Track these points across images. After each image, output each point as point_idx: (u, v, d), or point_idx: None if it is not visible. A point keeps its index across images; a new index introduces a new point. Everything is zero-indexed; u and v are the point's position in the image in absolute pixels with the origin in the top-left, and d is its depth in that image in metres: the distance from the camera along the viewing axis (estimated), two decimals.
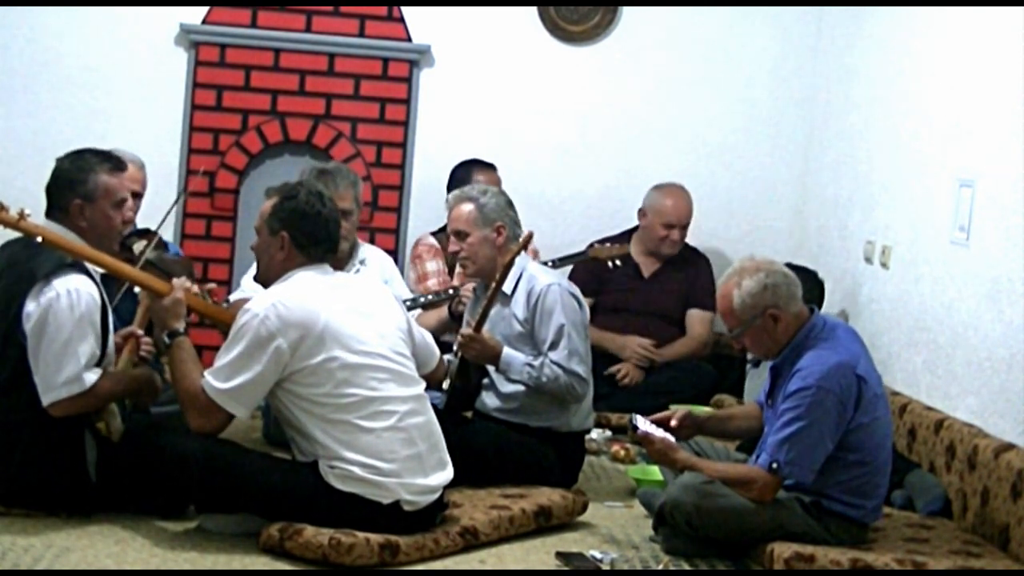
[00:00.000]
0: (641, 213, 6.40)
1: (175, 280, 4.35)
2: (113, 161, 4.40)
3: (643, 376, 6.17)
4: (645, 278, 6.40)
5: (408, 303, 5.44)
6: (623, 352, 6.18)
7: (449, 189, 6.24)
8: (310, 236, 4.26)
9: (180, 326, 4.26)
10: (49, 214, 4.33)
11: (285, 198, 4.31)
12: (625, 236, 6.43)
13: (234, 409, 4.13)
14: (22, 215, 4.18)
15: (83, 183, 4.31)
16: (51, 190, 4.34)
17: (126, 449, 4.27)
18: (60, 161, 4.39)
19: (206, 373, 4.15)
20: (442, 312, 5.52)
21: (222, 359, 4.13)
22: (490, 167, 6.31)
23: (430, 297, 5.61)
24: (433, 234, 6.31)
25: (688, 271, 6.44)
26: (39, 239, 4.17)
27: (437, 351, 4.61)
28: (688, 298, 6.41)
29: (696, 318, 6.41)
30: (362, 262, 5.46)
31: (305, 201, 4.28)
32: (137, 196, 5.32)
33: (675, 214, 6.33)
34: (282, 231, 4.26)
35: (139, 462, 4.24)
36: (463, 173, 6.23)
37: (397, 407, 4.17)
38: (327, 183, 5.14)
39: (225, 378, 4.10)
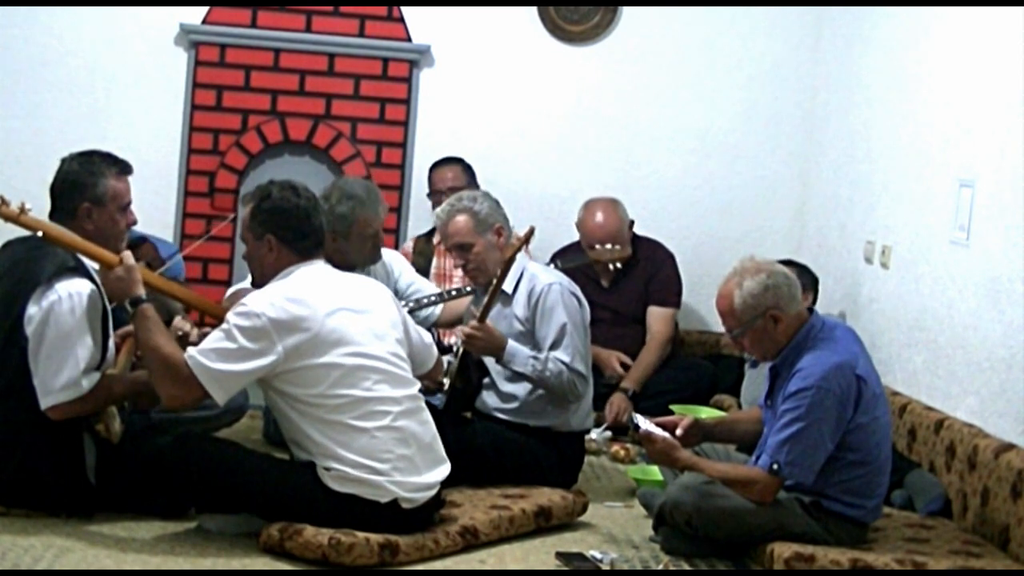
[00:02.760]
0: (576, 227, 6.28)
1: (123, 253, 4.28)
2: (120, 165, 4.39)
3: (631, 408, 5.80)
4: (605, 288, 6.29)
5: (411, 304, 5.44)
6: (605, 371, 6.00)
7: (430, 188, 6.37)
8: (294, 231, 4.24)
9: (141, 292, 4.19)
10: (53, 216, 4.33)
11: (261, 200, 4.29)
12: (578, 245, 6.29)
13: (214, 391, 4.07)
14: (23, 209, 4.17)
15: (93, 187, 4.30)
16: (57, 192, 4.33)
17: (126, 451, 4.27)
18: (67, 163, 4.37)
19: (192, 349, 4.10)
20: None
21: (214, 343, 4.08)
22: (453, 161, 6.37)
23: (433, 298, 5.61)
24: (420, 236, 6.36)
25: (648, 269, 6.33)
26: (40, 234, 4.18)
27: (435, 351, 4.59)
28: (647, 295, 6.29)
29: (655, 316, 6.26)
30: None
31: (280, 198, 4.26)
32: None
33: (600, 233, 6.11)
34: (266, 233, 4.25)
35: (139, 464, 4.24)
36: (429, 174, 6.40)
37: (390, 407, 4.16)
38: (373, 207, 5.13)
39: (213, 359, 4.05)
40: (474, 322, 4.78)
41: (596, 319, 5.93)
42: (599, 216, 6.17)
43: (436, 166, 6.42)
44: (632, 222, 6.30)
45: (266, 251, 4.26)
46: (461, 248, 4.92)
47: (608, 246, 6.05)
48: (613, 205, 6.22)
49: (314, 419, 4.12)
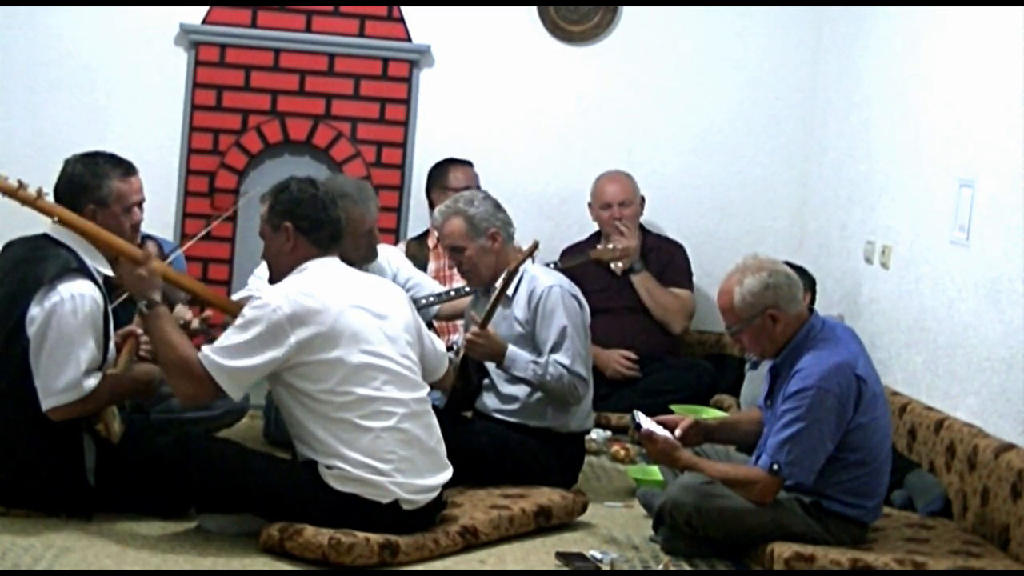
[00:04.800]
0: (589, 208, 6.43)
1: (147, 249, 4.31)
2: (125, 166, 4.41)
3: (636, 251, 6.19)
4: (617, 275, 6.33)
5: (433, 298, 5.47)
6: (606, 370, 6.05)
7: (428, 189, 6.38)
8: (312, 220, 4.26)
9: (157, 296, 4.21)
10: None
11: (278, 192, 4.33)
12: (591, 240, 6.40)
13: (228, 388, 4.09)
14: (40, 194, 4.19)
15: (97, 188, 4.31)
16: (62, 193, 4.33)
17: (126, 451, 4.27)
18: (72, 165, 4.37)
19: (207, 348, 4.12)
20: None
21: (229, 340, 4.11)
22: (466, 163, 6.40)
23: (432, 299, 5.61)
24: (412, 240, 6.37)
25: (660, 259, 6.41)
26: (55, 219, 4.19)
27: (447, 359, 4.60)
28: (662, 282, 6.36)
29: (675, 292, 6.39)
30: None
31: (298, 189, 4.30)
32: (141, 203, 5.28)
33: (610, 194, 6.33)
34: (284, 223, 4.27)
35: (138, 463, 4.24)
36: (439, 172, 6.39)
37: (396, 409, 4.16)
38: (365, 205, 5.14)
39: (226, 356, 4.07)
40: (475, 328, 4.78)
41: (605, 308, 5.99)
42: (612, 183, 6.37)
43: (450, 165, 6.38)
44: (643, 198, 6.40)
45: (283, 241, 4.28)
46: (454, 250, 4.94)
47: (610, 246, 6.09)
48: (626, 175, 6.41)
49: (320, 416, 4.12)
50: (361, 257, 5.19)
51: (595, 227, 6.47)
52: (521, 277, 4.90)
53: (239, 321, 4.13)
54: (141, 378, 4.36)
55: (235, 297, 5.20)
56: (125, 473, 4.27)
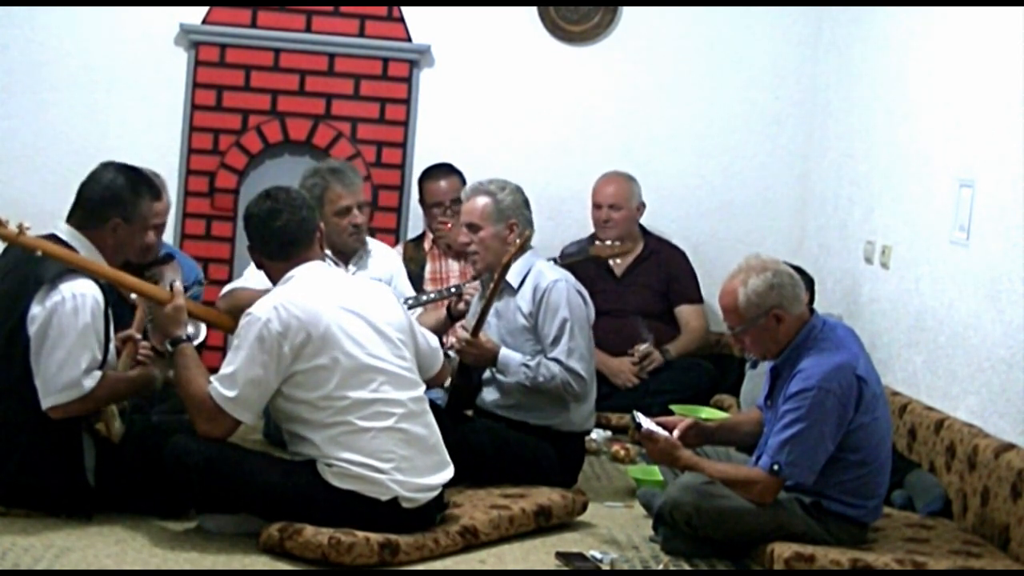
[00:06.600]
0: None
1: (175, 287, 4.35)
2: (156, 190, 4.56)
3: (658, 360, 6.14)
4: (618, 277, 6.36)
5: (410, 301, 5.46)
6: (616, 379, 6.07)
7: (426, 201, 6.34)
8: (257, 238, 4.32)
9: (183, 333, 4.27)
10: (75, 218, 4.34)
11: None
12: (591, 238, 6.40)
13: (240, 415, 4.14)
14: (21, 229, 4.18)
15: (132, 205, 4.36)
16: (96, 199, 4.33)
17: (126, 451, 4.27)
18: (113, 174, 4.38)
19: (213, 379, 4.16)
20: (440, 313, 5.51)
21: (228, 365, 4.14)
22: (450, 169, 6.31)
23: (432, 296, 5.61)
24: (409, 242, 6.36)
25: (664, 266, 6.41)
26: (39, 253, 4.18)
27: (441, 355, 4.60)
28: (672, 295, 6.38)
29: (688, 313, 6.38)
30: (365, 254, 5.46)
31: (247, 209, 4.37)
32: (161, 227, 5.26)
33: (601, 195, 6.35)
34: (249, 246, 4.37)
35: (139, 463, 4.25)
36: (423, 183, 6.34)
37: (394, 409, 4.17)
38: (341, 180, 5.27)
39: (231, 385, 4.11)
40: (466, 334, 4.80)
41: (606, 311, 5.97)
42: (609, 184, 6.37)
43: (430, 177, 6.34)
44: (643, 204, 6.39)
45: (257, 263, 4.40)
46: (470, 227, 4.94)
47: (608, 242, 6.07)
48: (627, 179, 6.39)
49: (316, 421, 4.14)
50: (346, 243, 5.26)
51: (591, 226, 6.45)
52: (528, 271, 4.91)
53: (235, 342, 4.18)
54: (140, 379, 4.37)
55: (228, 287, 5.18)
56: (125, 473, 4.28)
